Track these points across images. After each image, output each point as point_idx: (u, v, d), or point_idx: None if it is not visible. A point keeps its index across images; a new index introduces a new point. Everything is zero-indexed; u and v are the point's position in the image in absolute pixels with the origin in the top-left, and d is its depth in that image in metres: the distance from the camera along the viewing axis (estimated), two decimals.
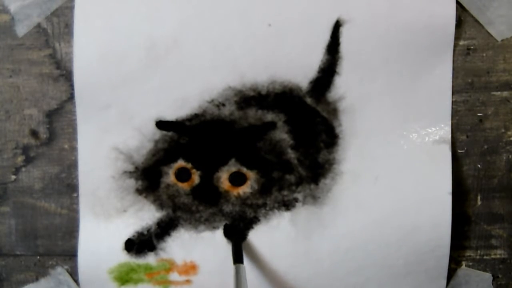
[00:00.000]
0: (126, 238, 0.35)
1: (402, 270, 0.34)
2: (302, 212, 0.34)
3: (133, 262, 0.35)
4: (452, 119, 0.34)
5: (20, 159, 0.36)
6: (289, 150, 0.34)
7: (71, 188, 0.36)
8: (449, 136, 0.34)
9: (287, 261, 0.34)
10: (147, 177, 0.35)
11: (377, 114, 0.34)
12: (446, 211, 0.33)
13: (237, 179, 0.34)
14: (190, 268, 0.35)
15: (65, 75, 0.35)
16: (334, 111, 0.34)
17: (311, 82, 0.33)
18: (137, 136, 0.34)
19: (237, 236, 0.35)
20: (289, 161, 0.34)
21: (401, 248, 0.34)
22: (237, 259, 0.33)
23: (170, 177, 0.35)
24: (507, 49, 0.34)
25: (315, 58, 0.33)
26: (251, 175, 0.34)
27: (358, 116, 0.34)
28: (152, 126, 0.34)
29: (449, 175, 0.33)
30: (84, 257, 0.35)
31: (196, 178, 0.35)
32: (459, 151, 0.34)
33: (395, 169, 0.34)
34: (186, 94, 0.34)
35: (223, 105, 0.34)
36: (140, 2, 0.33)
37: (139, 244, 0.35)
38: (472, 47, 0.34)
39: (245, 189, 0.35)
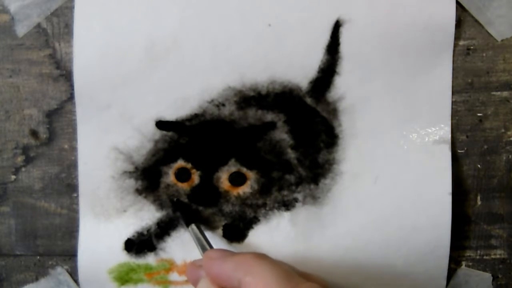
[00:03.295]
0: (126, 238, 0.35)
1: (402, 270, 0.34)
2: (302, 212, 0.34)
3: (133, 262, 0.35)
4: (452, 119, 0.34)
5: (20, 159, 0.36)
6: (289, 150, 0.34)
7: (71, 188, 0.36)
8: (449, 136, 0.34)
9: (287, 261, 0.34)
10: (147, 177, 0.35)
11: (377, 114, 0.34)
12: (446, 211, 0.33)
13: (237, 179, 0.34)
14: None
15: (65, 75, 0.35)
16: (334, 111, 0.34)
17: (311, 82, 0.33)
18: (137, 136, 0.34)
19: (177, 200, 0.35)
20: (289, 161, 0.34)
21: (401, 248, 0.34)
22: (188, 219, 0.34)
23: (170, 177, 0.35)
24: (507, 49, 0.34)
25: (315, 58, 0.33)
26: (251, 175, 0.34)
27: (358, 116, 0.34)
28: (152, 126, 0.34)
29: (449, 175, 0.33)
30: (84, 257, 0.35)
31: (196, 178, 0.35)
32: (459, 151, 0.34)
33: (395, 169, 0.34)
34: (186, 94, 0.34)
35: (223, 105, 0.34)
36: (140, 2, 0.33)
37: (139, 244, 0.35)
38: (472, 47, 0.34)
39: (245, 189, 0.35)
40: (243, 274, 0.26)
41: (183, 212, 0.34)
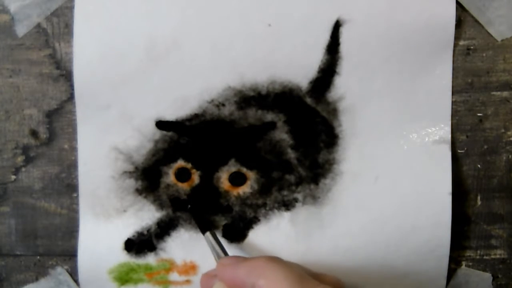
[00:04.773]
0: (126, 238, 0.35)
1: (402, 270, 0.34)
2: (302, 212, 0.34)
3: (133, 262, 0.35)
4: (452, 119, 0.34)
5: (20, 159, 0.36)
6: (289, 150, 0.34)
7: (71, 188, 0.36)
8: (449, 136, 0.34)
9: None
10: (147, 177, 0.35)
11: (377, 114, 0.34)
12: (446, 211, 0.33)
13: (237, 179, 0.34)
14: (190, 268, 0.35)
15: (65, 75, 0.35)
16: (334, 111, 0.34)
17: (311, 82, 0.33)
18: (137, 136, 0.34)
19: (187, 205, 0.35)
20: (289, 161, 0.34)
21: (401, 248, 0.34)
22: (204, 227, 0.34)
23: (170, 177, 0.35)
24: (507, 49, 0.34)
25: (315, 58, 0.33)
26: (251, 175, 0.34)
27: (358, 116, 0.34)
28: (152, 126, 0.34)
29: (449, 175, 0.33)
30: (84, 257, 0.35)
31: (196, 178, 0.35)
32: (459, 151, 0.34)
33: (395, 169, 0.34)
34: (186, 94, 0.34)
35: (223, 105, 0.34)
36: (140, 2, 0.33)
37: (139, 244, 0.35)
38: (472, 47, 0.34)
39: (245, 189, 0.35)
40: (257, 277, 0.26)
41: (198, 219, 0.34)
